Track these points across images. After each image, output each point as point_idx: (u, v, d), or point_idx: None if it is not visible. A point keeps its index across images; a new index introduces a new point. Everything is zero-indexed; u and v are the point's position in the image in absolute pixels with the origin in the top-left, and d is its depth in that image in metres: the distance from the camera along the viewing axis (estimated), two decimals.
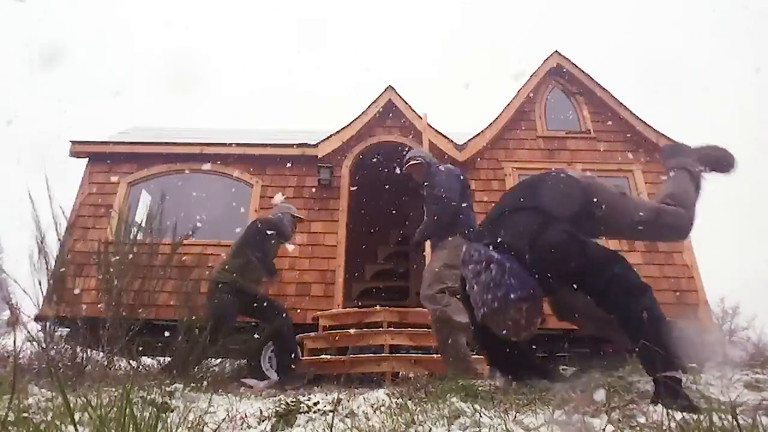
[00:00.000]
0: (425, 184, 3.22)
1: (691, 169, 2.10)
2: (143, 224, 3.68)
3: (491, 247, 1.66)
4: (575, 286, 1.65)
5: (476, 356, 2.96)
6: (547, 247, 1.60)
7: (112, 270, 3.20)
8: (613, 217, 1.94)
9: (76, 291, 3.15)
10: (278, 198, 4.37)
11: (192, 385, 2.19)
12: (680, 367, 1.38)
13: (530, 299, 1.55)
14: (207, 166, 6.26)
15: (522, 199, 1.90)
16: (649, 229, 1.99)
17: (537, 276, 1.59)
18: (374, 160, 6.59)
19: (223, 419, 1.44)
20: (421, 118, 5.92)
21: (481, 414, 1.15)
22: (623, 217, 1.96)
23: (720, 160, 2.16)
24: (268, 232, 3.86)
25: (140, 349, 3.11)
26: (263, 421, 1.46)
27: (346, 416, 1.48)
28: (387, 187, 6.81)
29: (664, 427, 1.01)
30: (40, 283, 2.99)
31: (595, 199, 1.91)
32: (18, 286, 2.85)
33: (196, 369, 3.23)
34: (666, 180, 2.17)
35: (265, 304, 3.74)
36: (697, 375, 1.70)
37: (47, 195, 3.04)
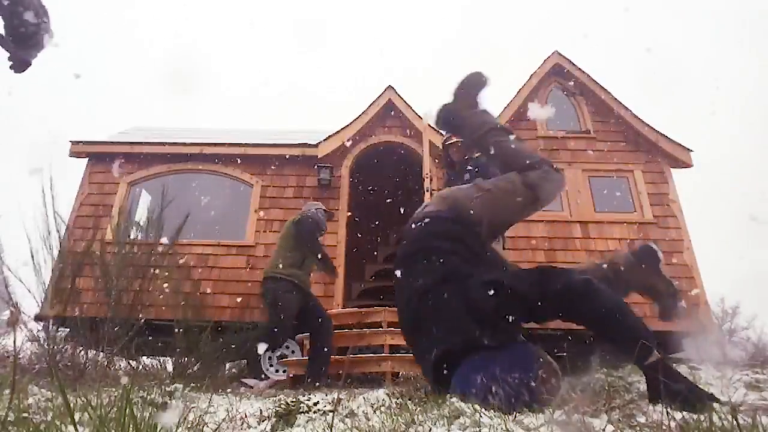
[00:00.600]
0: (468, 168, 3.20)
1: (500, 126, 2.12)
2: (143, 224, 3.70)
3: (449, 363, 1.43)
4: (533, 319, 1.50)
5: None
6: (491, 315, 1.43)
7: (111, 270, 3.21)
8: (495, 220, 1.85)
9: (76, 291, 3.16)
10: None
11: (192, 385, 2.19)
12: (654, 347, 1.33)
13: (540, 362, 1.36)
14: (207, 166, 6.27)
15: (415, 279, 1.64)
16: (537, 204, 1.91)
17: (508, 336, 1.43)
18: (374, 160, 6.59)
19: (223, 419, 1.44)
20: (421, 117, 5.93)
21: (481, 414, 1.15)
22: (505, 214, 1.90)
23: (480, 87, 2.14)
24: (319, 229, 3.94)
25: (141, 348, 3.11)
26: (263, 421, 1.46)
27: (346, 416, 1.48)
28: (388, 187, 6.81)
29: (664, 427, 1.01)
30: (42, 283, 3.00)
31: (468, 224, 1.76)
32: (20, 285, 2.86)
33: (224, 368, 3.26)
34: (494, 151, 2.05)
35: (314, 305, 3.75)
36: (697, 375, 1.70)
37: (50, 195, 3.06)
